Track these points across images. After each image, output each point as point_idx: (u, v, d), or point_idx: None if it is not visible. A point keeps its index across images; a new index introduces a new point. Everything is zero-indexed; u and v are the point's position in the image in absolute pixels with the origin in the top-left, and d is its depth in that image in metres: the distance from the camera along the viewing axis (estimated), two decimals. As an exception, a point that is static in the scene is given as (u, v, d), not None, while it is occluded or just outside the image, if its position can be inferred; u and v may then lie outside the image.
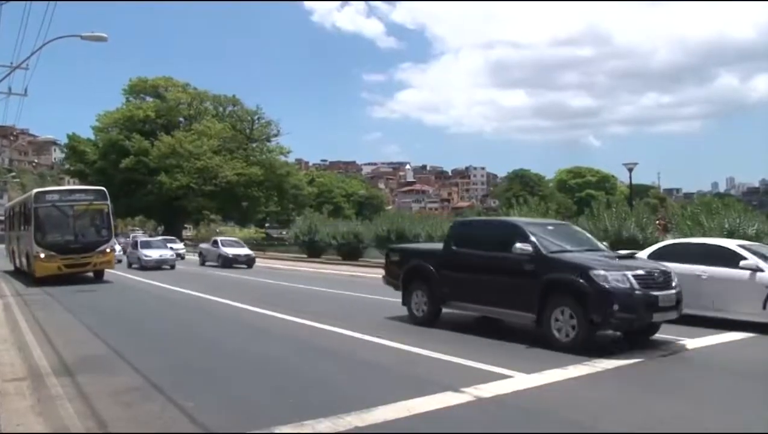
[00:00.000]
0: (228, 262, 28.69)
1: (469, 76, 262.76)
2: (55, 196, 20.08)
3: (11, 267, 25.51)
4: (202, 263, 31.12)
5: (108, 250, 20.26)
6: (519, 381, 6.63)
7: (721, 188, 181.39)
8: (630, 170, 26.06)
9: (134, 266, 28.39)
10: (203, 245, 32.93)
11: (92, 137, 62.03)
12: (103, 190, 20.91)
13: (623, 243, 19.07)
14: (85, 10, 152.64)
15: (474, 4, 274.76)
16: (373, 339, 9.33)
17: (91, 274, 20.81)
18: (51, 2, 22.79)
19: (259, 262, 31.80)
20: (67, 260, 19.13)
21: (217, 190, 55.98)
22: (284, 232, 64.82)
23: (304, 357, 8.27)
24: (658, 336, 9.28)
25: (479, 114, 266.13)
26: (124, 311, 13.61)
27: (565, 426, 5.22)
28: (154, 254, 27.92)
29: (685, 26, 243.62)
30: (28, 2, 23.47)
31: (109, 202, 20.57)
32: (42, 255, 18.83)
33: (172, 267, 27.76)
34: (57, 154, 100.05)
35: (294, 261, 35.71)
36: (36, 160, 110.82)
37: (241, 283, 20.82)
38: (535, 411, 5.65)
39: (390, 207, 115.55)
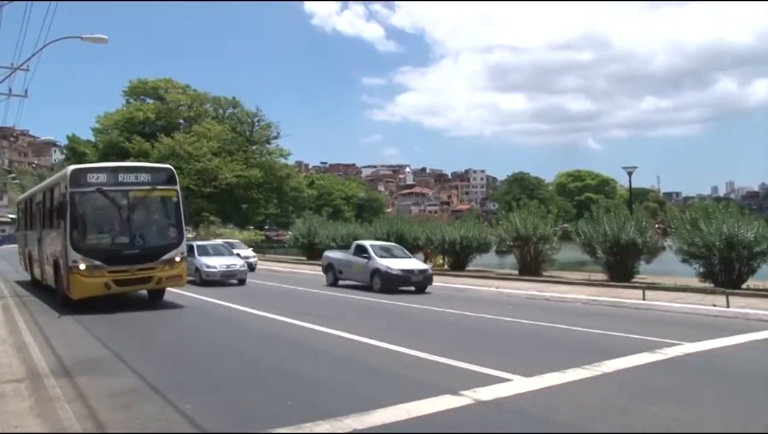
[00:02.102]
0: (394, 283, 17.72)
1: (469, 80, 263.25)
2: (102, 176, 13.27)
3: (26, 275, 20.41)
4: (333, 282, 20.17)
5: (178, 259, 13.68)
6: (518, 384, 6.63)
7: (721, 192, 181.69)
8: (629, 174, 26.07)
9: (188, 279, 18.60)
10: (334, 254, 21.49)
11: (92, 139, 62.12)
12: (170, 170, 14.39)
13: (622, 247, 19.12)
14: (85, 12, 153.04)
15: (473, 9, 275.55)
16: (373, 342, 9.32)
17: (144, 292, 14.75)
18: (51, 3, 22.71)
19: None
20: (118, 274, 12.89)
21: (217, 192, 55.97)
22: (283, 234, 64.81)
23: (300, 358, 8.24)
24: (656, 339, 9.31)
25: (479, 117, 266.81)
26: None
27: (564, 429, 5.22)
28: (217, 263, 20.47)
29: (684, 31, 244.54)
30: (29, 3, 23.45)
31: (178, 187, 14.15)
32: (82, 267, 12.52)
33: (242, 281, 20.69)
34: (57, 156, 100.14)
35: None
36: (36, 162, 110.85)
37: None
38: (534, 414, 5.65)
39: (389, 209, 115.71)
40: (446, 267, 27.41)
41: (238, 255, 23.52)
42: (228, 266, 20.61)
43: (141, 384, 6.74)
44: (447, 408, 5.70)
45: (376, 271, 18.10)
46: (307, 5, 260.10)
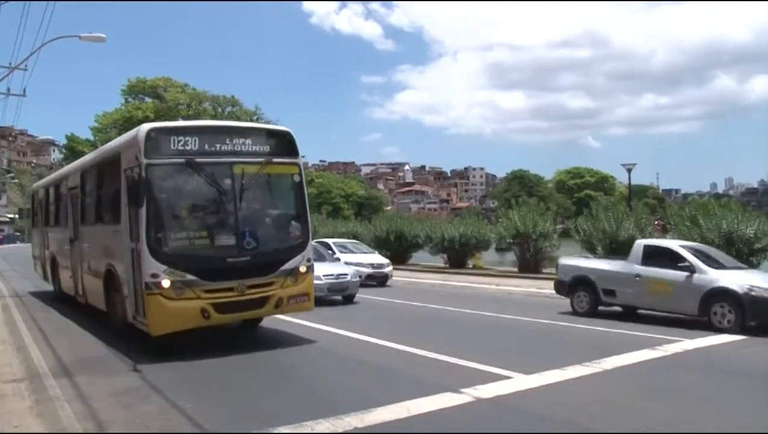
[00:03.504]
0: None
1: (468, 78, 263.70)
2: (193, 141, 8.65)
3: (36, 282, 17.22)
4: (591, 310, 12.26)
5: (303, 268, 9.18)
6: (518, 382, 6.64)
7: (720, 189, 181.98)
8: (629, 171, 26.05)
9: None
10: (592, 263, 13.45)
11: (91, 138, 62.06)
12: (289, 134, 9.62)
13: (621, 243, 19.12)
14: (84, 11, 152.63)
15: (471, 7, 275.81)
16: (374, 340, 9.33)
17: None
18: (50, 2, 22.62)
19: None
20: (221, 294, 8.39)
21: (217, 191, 55.85)
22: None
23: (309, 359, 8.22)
24: (656, 335, 9.31)
25: (478, 115, 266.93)
26: None
27: (564, 427, 5.23)
28: (321, 273, 13.67)
29: (683, 28, 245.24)
30: (27, 2, 23.39)
31: (300, 161, 9.79)
32: (165, 283, 8.03)
33: (349, 298, 14.79)
34: (56, 155, 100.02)
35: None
36: (35, 161, 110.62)
37: None
38: (534, 412, 5.65)
39: (389, 207, 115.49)
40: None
41: (336, 259, 17.43)
42: (337, 277, 14.63)
43: (141, 383, 6.74)
44: (447, 406, 5.71)
45: (721, 293, 10.35)
46: (306, 4, 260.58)
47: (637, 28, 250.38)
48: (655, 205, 75.79)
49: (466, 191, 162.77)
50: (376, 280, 18.57)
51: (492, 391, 6.21)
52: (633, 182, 27.87)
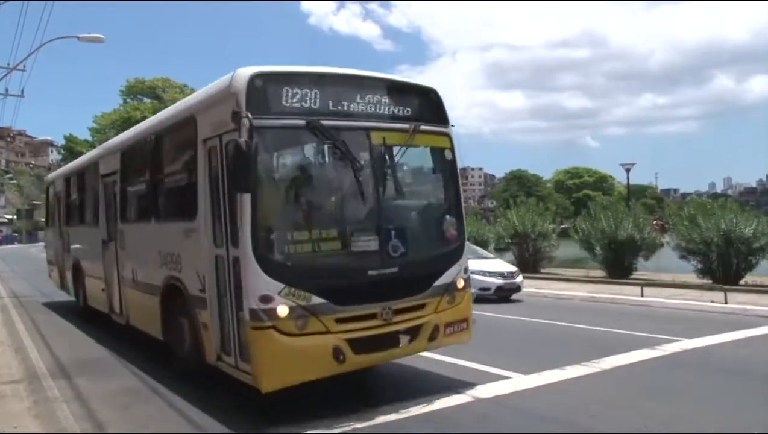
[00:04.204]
0: None
1: (467, 78, 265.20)
2: (314, 96, 5.62)
3: (44, 289, 15.76)
4: None
5: (461, 283, 6.41)
6: (517, 381, 6.64)
7: (719, 188, 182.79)
8: (627, 170, 26.12)
9: None
10: None
11: (89, 138, 62.06)
12: (434, 93, 6.73)
13: (620, 243, 19.14)
14: (83, 11, 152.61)
15: (470, 7, 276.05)
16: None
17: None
18: (48, 2, 22.65)
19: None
20: (359, 324, 5.51)
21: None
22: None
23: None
24: (655, 335, 9.31)
25: (477, 115, 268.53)
26: None
27: (564, 427, 5.22)
28: None
29: (681, 29, 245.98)
30: (26, 2, 23.38)
31: (451, 131, 6.71)
32: (282, 311, 5.08)
33: None
34: (54, 156, 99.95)
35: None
36: (33, 162, 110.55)
37: None
38: (533, 411, 5.64)
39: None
40: None
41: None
42: None
43: (140, 384, 6.73)
44: (447, 406, 5.71)
45: None
46: (304, 5, 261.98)
47: (635, 28, 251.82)
48: (653, 205, 75.87)
49: (464, 191, 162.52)
50: (502, 294, 14.34)
51: (491, 391, 6.20)
52: (632, 182, 27.97)
